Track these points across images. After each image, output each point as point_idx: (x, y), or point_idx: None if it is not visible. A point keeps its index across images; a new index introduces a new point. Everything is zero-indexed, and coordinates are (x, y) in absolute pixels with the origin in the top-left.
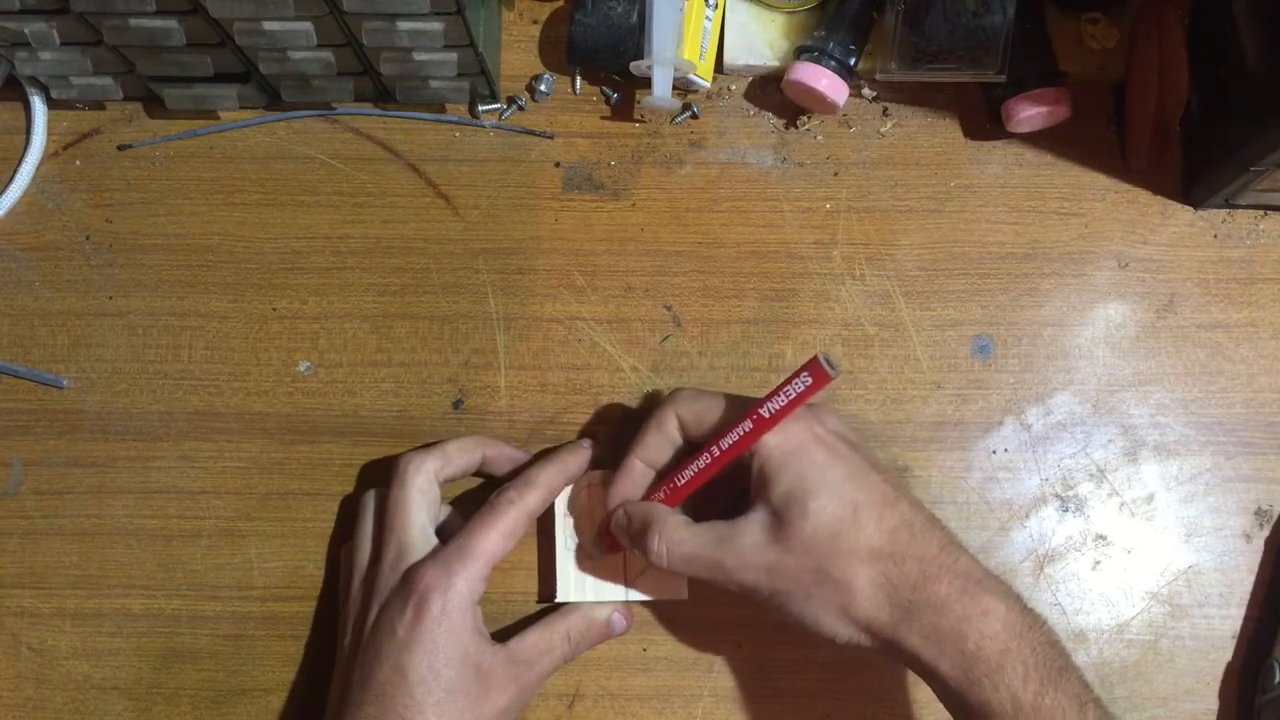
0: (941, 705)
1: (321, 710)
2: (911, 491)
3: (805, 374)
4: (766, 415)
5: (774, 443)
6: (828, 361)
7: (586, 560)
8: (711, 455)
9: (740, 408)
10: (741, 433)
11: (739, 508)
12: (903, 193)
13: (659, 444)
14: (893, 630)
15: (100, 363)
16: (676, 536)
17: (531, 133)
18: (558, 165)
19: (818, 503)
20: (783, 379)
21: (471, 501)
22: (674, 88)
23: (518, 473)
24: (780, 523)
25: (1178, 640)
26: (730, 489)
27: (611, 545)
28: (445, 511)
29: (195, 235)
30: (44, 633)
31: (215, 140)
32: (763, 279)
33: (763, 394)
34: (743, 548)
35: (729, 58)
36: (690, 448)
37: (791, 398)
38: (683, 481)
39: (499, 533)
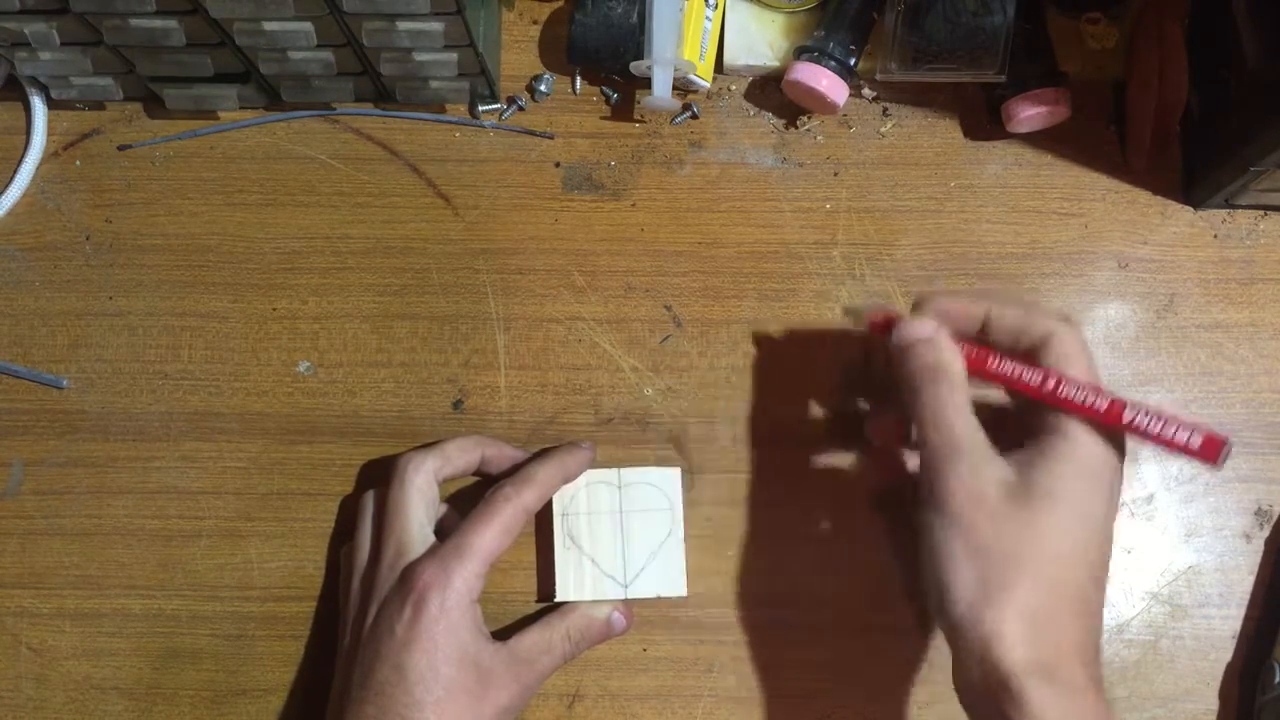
0: (939, 706)
1: (321, 710)
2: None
3: (1199, 435)
4: (1127, 420)
5: (1093, 449)
6: (1226, 454)
7: (584, 556)
8: (1045, 382)
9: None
10: (1087, 401)
11: (1003, 428)
12: (903, 193)
13: (1009, 325)
14: (1012, 669)
15: (100, 363)
16: (960, 402)
17: (531, 133)
18: (558, 165)
19: (1070, 522)
20: (1179, 417)
21: (469, 500)
22: (674, 88)
23: (516, 471)
24: (1027, 495)
25: (1178, 640)
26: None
27: (876, 325)
28: (443, 510)
29: (195, 235)
30: (44, 633)
31: (215, 140)
32: (763, 279)
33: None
34: (986, 471)
35: (729, 58)
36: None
37: (1164, 435)
38: (997, 367)
39: (496, 530)
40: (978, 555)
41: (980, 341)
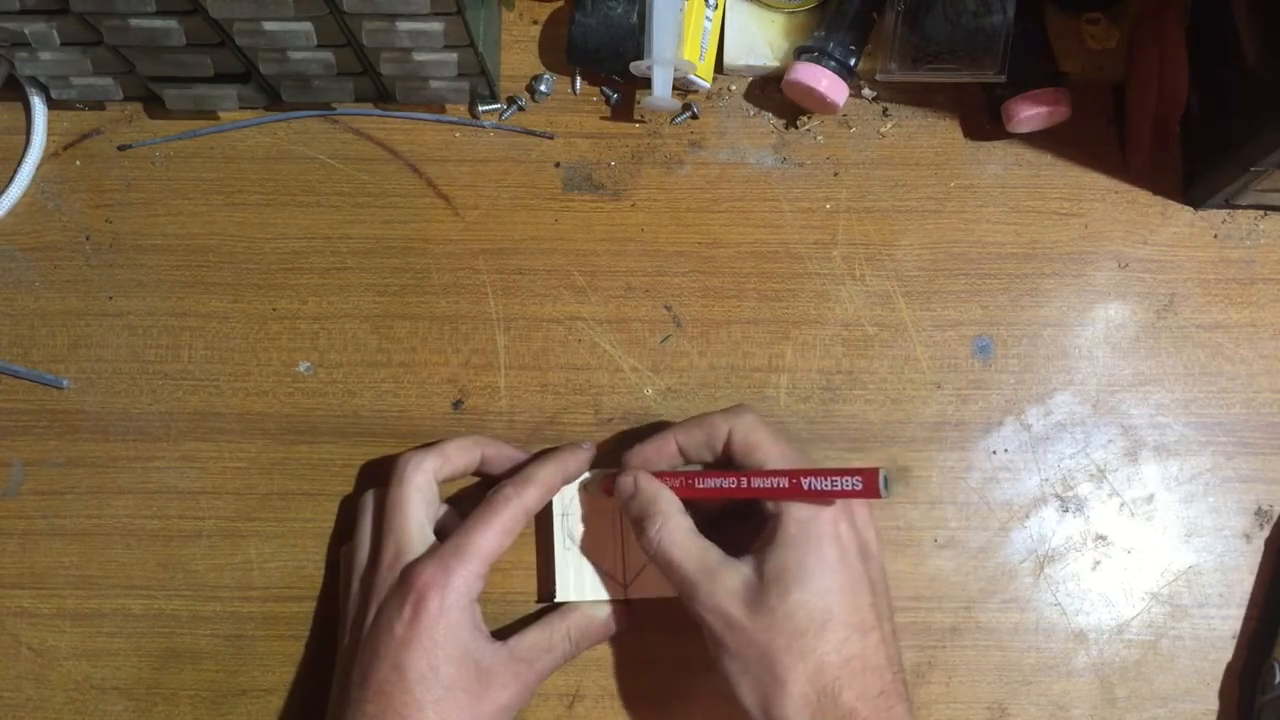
0: (938, 706)
1: (321, 710)
2: (893, 620)
3: (858, 478)
4: (805, 488)
5: (799, 516)
6: (885, 482)
7: (584, 556)
8: (738, 484)
9: (788, 460)
10: (774, 485)
11: (736, 534)
12: (903, 193)
13: (699, 443)
14: None
15: (100, 363)
16: (676, 538)
17: (531, 133)
18: (558, 165)
19: (801, 595)
20: (839, 466)
21: (469, 501)
22: (674, 88)
23: (516, 472)
24: (761, 589)
25: (1178, 640)
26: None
27: (608, 490)
28: (443, 510)
29: (195, 235)
30: (44, 633)
31: (215, 140)
32: (763, 279)
33: (763, 395)
34: (719, 589)
35: (729, 58)
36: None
37: (834, 489)
38: (701, 486)
39: (496, 530)
40: (747, 667)
41: (689, 470)
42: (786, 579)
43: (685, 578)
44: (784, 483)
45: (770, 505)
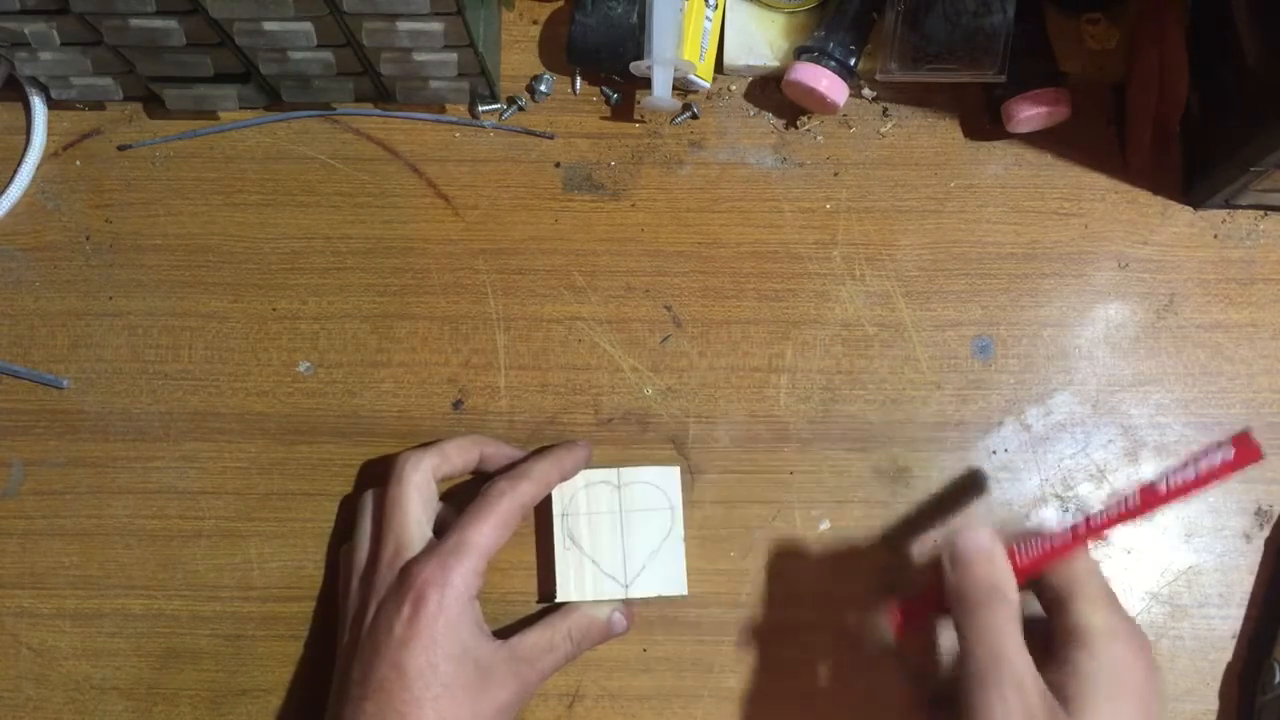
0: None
1: (321, 710)
2: None
3: (1228, 447)
4: (1163, 491)
5: (1113, 652)
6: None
7: (584, 556)
8: (1077, 531)
9: (1107, 594)
10: (1121, 510)
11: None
12: (903, 193)
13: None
14: None
15: (100, 363)
16: (1015, 628)
17: (531, 133)
18: (558, 165)
19: None
20: (1197, 449)
21: (466, 497)
22: (674, 88)
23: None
24: (1055, 711)
25: (1178, 640)
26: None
27: (906, 622)
28: (440, 508)
29: (195, 235)
30: (44, 633)
31: (215, 140)
32: (763, 279)
33: (762, 395)
34: (1023, 694)
35: (729, 58)
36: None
37: (1202, 472)
38: (1025, 558)
39: (493, 525)
40: None
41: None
42: (1082, 713)
43: (1009, 672)
44: (1134, 501)
45: (1073, 628)
